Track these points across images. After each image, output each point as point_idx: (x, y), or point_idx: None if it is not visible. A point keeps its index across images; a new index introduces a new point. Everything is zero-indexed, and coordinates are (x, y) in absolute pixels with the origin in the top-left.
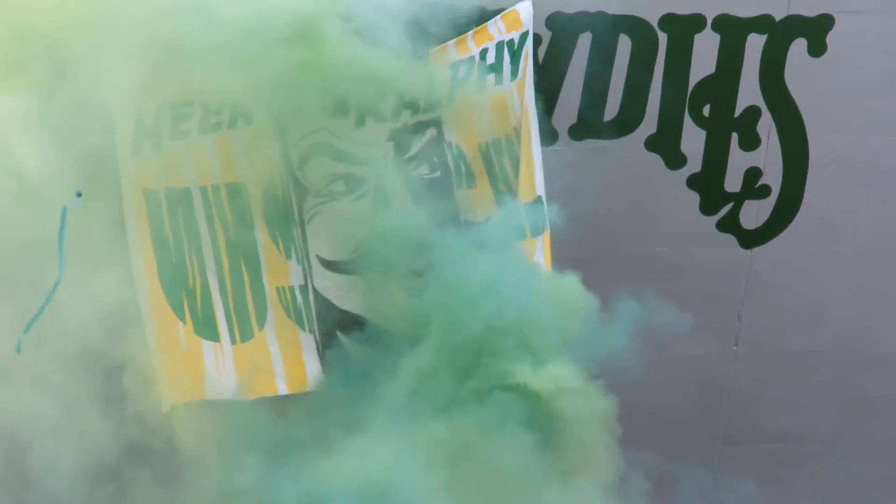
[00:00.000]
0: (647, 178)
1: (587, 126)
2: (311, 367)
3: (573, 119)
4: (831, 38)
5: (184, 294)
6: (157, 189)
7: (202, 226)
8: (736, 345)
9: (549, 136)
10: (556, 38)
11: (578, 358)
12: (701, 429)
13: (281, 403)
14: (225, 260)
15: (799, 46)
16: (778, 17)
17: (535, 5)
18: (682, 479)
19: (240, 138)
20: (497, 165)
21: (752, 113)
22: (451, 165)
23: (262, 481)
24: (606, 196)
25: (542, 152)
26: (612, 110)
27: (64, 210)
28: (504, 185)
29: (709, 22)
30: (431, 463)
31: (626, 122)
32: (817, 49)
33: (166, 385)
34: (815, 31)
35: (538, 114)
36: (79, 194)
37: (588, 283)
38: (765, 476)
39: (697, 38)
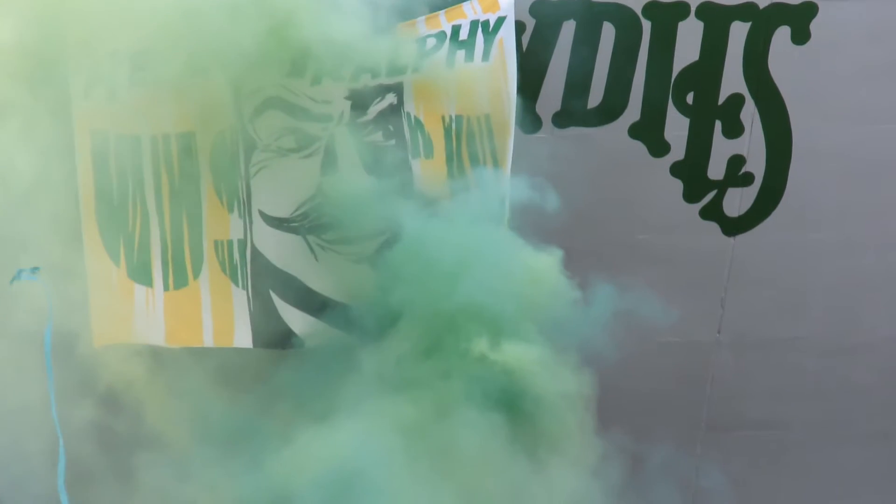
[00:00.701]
0: (631, 165)
1: (571, 114)
2: (241, 323)
3: (557, 107)
4: (815, 26)
5: (121, 238)
6: (106, 133)
7: (147, 174)
8: (719, 332)
9: (532, 123)
10: (540, 25)
11: (558, 341)
12: (684, 416)
13: (236, 391)
14: (167, 209)
15: (783, 34)
16: (762, 4)
17: None
18: (665, 466)
19: (195, 88)
20: (455, 143)
21: (736, 100)
22: (408, 135)
23: (223, 472)
24: (590, 184)
25: (526, 140)
26: (595, 98)
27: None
28: (458, 166)
29: (692, 9)
30: (395, 446)
31: (610, 110)
32: (801, 37)
33: (97, 323)
34: (799, 18)
35: (523, 100)
36: (34, 269)
37: (571, 271)
38: (748, 463)
39: (681, 25)
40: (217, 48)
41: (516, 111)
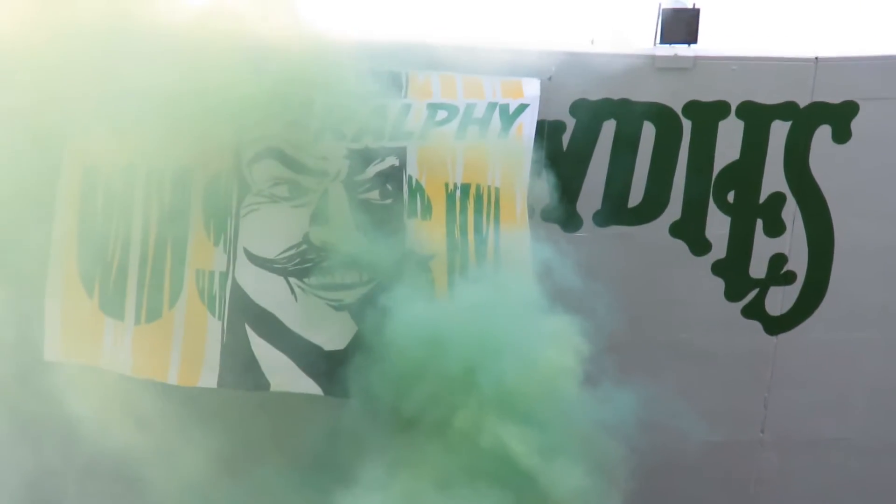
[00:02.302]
0: (672, 264)
1: (612, 212)
2: (210, 357)
3: (598, 205)
4: (856, 125)
5: (98, 269)
6: (98, 167)
7: (137, 204)
8: (762, 432)
9: (573, 222)
10: (580, 124)
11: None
12: None
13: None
14: (152, 238)
15: (823, 133)
16: (802, 103)
17: (559, 92)
18: None
19: (196, 132)
20: (459, 208)
21: (777, 199)
22: (407, 196)
23: None
24: (631, 282)
25: (567, 239)
26: (636, 197)
27: None
28: (460, 231)
29: (733, 108)
30: None
31: (651, 209)
32: (842, 135)
33: (61, 340)
34: (840, 117)
35: (563, 199)
36: None
37: (614, 370)
38: None
39: (721, 124)
40: (225, 98)
41: (558, 211)
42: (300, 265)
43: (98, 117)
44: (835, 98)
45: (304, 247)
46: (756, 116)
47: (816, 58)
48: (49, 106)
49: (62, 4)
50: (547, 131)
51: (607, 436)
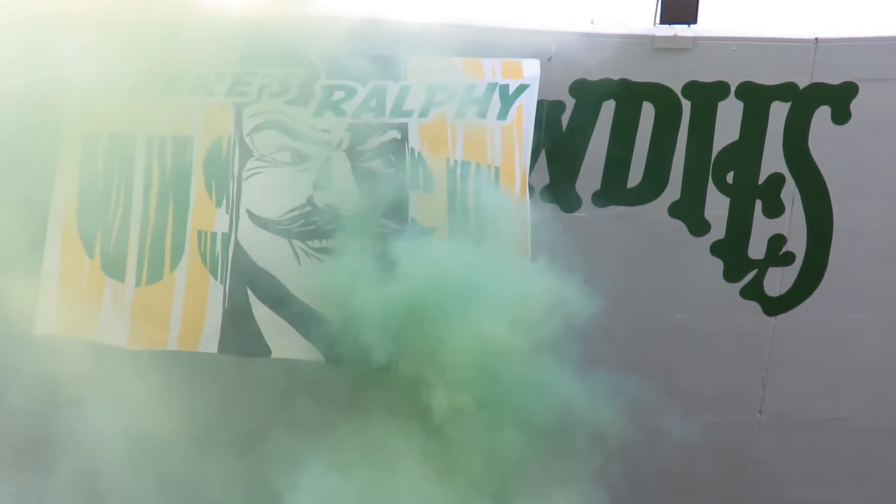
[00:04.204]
0: (671, 244)
1: (611, 193)
2: (211, 321)
3: (597, 186)
4: (855, 106)
5: (99, 230)
6: (99, 133)
7: (138, 167)
8: (760, 412)
9: (572, 202)
10: (580, 104)
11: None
12: (725, 496)
13: None
14: (154, 200)
15: (823, 114)
16: (802, 84)
17: (559, 73)
18: None
19: (197, 106)
20: (460, 185)
21: (776, 180)
22: (409, 167)
23: None
24: (630, 263)
25: (566, 219)
26: (635, 177)
27: None
28: (461, 206)
29: (732, 89)
30: None
31: (650, 189)
32: (841, 117)
33: (54, 312)
34: (839, 98)
35: (562, 179)
36: None
37: (612, 350)
38: None
39: (721, 105)
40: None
41: (557, 192)
42: (304, 227)
43: (95, 87)
44: (834, 79)
45: (307, 209)
46: (755, 97)
47: (816, 38)
48: (46, 79)
49: None
50: (546, 111)
51: (602, 416)
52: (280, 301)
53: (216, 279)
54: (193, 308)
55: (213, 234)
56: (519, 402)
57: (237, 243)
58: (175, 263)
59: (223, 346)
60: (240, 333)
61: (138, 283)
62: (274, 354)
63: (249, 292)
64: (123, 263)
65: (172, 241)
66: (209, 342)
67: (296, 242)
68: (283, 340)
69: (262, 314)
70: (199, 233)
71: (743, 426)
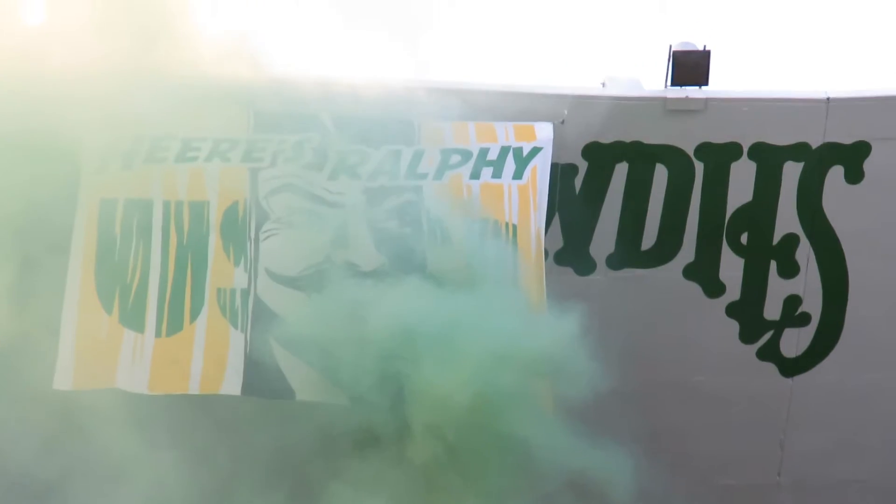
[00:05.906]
0: (686, 306)
1: (625, 255)
2: (232, 369)
3: (611, 248)
4: (868, 165)
5: (117, 289)
6: (115, 198)
7: (156, 230)
8: (779, 475)
9: (587, 265)
10: (593, 167)
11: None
12: None
13: None
14: (172, 259)
15: (836, 173)
16: (814, 144)
17: (571, 136)
18: None
19: (213, 171)
20: (478, 242)
21: (791, 240)
22: (425, 225)
23: None
24: (645, 325)
25: (580, 282)
26: (649, 239)
27: None
28: (478, 263)
29: (745, 150)
30: None
31: (664, 251)
32: (854, 176)
33: (73, 369)
34: (852, 158)
35: (577, 242)
36: None
37: (628, 413)
38: None
39: (734, 166)
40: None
41: (570, 254)
42: (324, 282)
43: (112, 153)
44: (847, 138)
45: (326, 266)
46: (768, 157)
47: (828, 98)
48: (63, 139)
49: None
50: (559, 174)
51: (619, 480)
52: (303, 348)
53: (237, 328)
54: (214, 356)
55: (233, 290)
56: (531, 466)
57: (257, 297)
58: (195, 315)
59: (247, 388)
60: (264, 378)
61: (158, 335)
62: (298, 398)
63: (272, 341)
64: (142, 316)
65: (192, 296)
66: (232, 385)
67: (314, 295)
68: (307, 385)
69: (286, 360)
70: (219, 290)
71: (761, 489)
